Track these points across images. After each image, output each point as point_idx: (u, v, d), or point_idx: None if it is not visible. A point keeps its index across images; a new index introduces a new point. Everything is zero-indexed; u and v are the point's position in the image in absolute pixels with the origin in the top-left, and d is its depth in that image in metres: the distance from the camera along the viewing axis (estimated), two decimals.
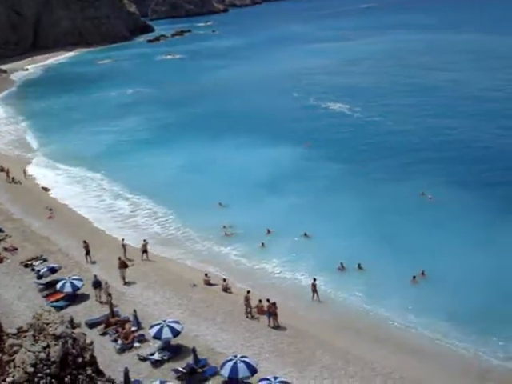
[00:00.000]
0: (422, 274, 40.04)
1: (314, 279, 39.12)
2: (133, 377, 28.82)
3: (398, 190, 54.67)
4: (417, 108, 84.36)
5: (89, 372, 8.48)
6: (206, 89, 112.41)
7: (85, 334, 17.51)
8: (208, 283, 40.83)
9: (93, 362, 9.11)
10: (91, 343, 10.18)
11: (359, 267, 41.77)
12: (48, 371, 16.07)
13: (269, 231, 48.05)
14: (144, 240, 45.96)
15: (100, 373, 9.16)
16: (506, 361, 31.51)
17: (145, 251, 45.01)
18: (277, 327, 35.00)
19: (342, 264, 41.97)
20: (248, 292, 36.84)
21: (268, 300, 35.71)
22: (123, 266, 41.16)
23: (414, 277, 39.46)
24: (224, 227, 49.38)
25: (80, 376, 8.04)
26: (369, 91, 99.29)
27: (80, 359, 10.40)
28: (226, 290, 40.02)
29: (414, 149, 66.72)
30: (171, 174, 64.18)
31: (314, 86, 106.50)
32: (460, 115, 78.22)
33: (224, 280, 40.53)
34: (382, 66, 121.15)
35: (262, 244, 46.39)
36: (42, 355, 16.28)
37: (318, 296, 38.81)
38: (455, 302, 36.78)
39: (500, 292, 37.40)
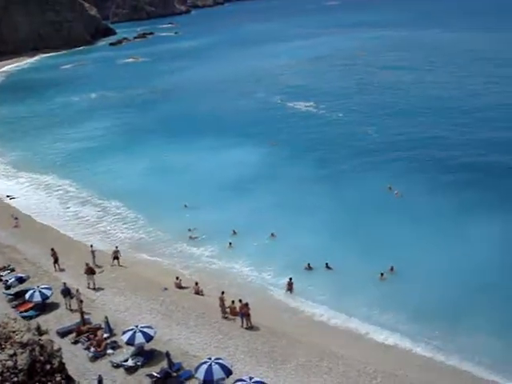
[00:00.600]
0: (391, 269, 40.43)
1: (290, 278, 39.42)
2: None
3: (365, 186, 55.22)
4: (380, 105, 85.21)
5: (58, 379, 8.32)
6: (170, 91, 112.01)
7: (52, 341, 17.22)
8: (179, 286, 40.62)
9: (62, 368, 8.93)
10: (59, 350, 10.03)
11: (327, 266, 41.90)
12: (16, 379, 15.76)
13: (234, 232, 47.97)
14: (116, 247, 45.65)
15: (70, 379, 9.00)
16: (469, 356, 31.87)
17: (116, 258, 44.60)
18: (250, 328, 35.03)
19: (308, 264, 41.99)
20: (222, 293, 36.83)
21: (240, 301, 35.76)
22: (90, 272, 40.74)
23: (382, 274, 39.80)
24: (189, 230, 49.27)
25: (49, 383, 7.88)
26: (333, 89, 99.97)
27: (48, 366, 10.23)
28: (197, 292, 39.87)
29: (378, 145, 67.39)
30: (138, 178, 63.71)
31: (279, 85, 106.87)
32: (422, 111, 79.17)
33: (196, 283, 40.36)
34: (344, 63, 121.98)
35: (230, 244, 46.41)
36: (9, 363, 16.00)
37: (293, 293, 39.08)
38: (423, 296, 37.26)
39: (466, 284, 38.03)
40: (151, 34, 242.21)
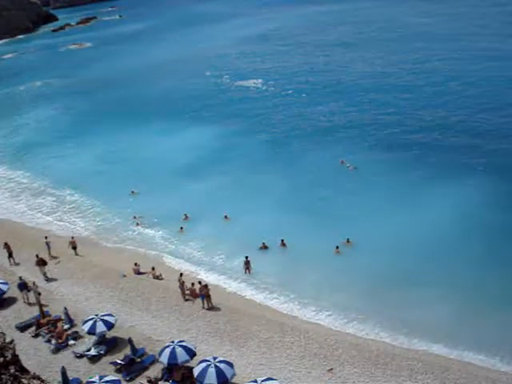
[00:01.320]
0: (347, 241, 41.18)
1: (247, 257, 39.67)
2: (71, 375, 28.52)
3: (317, 162, 55.61)
4: (328, 82, 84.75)
5: (12, 371, 8.25)
6: (117, 76, 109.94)
7: (4, 333, 17.02)
8: (138, 272, 40.55)
9: (15, 360, 8.86)
10: (11, 342, 9.95)
11: (282, 244, 42.28)
12: None
13: (186, 216, 47.88)
14: (72, 237, 45.20)
15: (25, 370, 8.95)
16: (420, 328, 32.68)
17: (74, 247, 44.20)
18: (211, 308, 35.25)
19: (264, 243, 42.27)
20: (181, 275, 36.99)
21: (200, 282, 35.90)
22: (41, 263, 40.30)
23: (337, 247, 40.43)
24: (134, 217, 49.04)
25: (3, 376, 7.83)
26: (281, 67, 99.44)
27: (1, 359, 10.12)
28: (156, 277, 39.86)
29: (329, 122, 67.43)
30: (90, 166, 62.73)
31: (227, 65, 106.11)
32: (370, 88, 78.68)
33: (153, 268, 40.31)
34: (291, 42, 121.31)
35: (181, 228, 46.32)
36: None
37: (250, 272, 39.42)
38: (377, 268, 37.97)
39: (418, 254, 38.93)
40: (94, 18, 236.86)
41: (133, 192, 53.81)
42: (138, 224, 48.24)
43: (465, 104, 66.50)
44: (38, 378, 9.58)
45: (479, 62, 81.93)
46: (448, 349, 30.61)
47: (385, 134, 60.82)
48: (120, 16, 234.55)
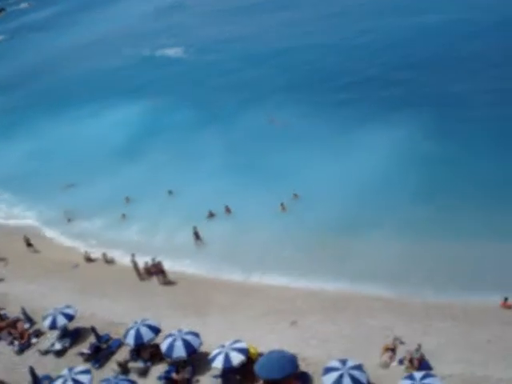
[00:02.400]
0: (295, 196, 41.95)
1: (195, 227, 39.86)
2: (40, 373, 28.38)
3: (248, 122, 55.61)
4: (249, 44, 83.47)
5: None
6: (35, 66, 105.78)
7: None
8: (89, 259, 40.26)
9: None
10: None
11: (227, 210, 42.71)
12: None
13: (128, 199, 47.30)
14: (24, 235, 44.20)
15: None
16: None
17: (29, 244, 43.60)
18: (168, 283, 35.44)
19: (210, 211, 42.63)
20: (133, 255, 36.95)
21: (153, 259, 35.90)
22: None
23: (282, 204, 41.01)
24: (65, 212, 47.86)
25: None
26: (198, 33, 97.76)
27: None
28: (108, 261, 39.71)
29: (252, 82, 66.89)
30: (21, 160, 60.36)
31: (145, 37, 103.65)
32: (289, 45, 77.84)
33: (103, 254, 40.13)
34: (208, 8, 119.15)
35: (123, 215, 45.50)
36: None
37: (200, 242, 39.74)
38: (325, 218, 38.71)
39: (364, 195, 40.09)
40: (2, 10, 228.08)
41: (68, 185, 52.07)
42: (69, 220, 46.88)
43: (385, 52, 67.22)
44: (2, 382, 9.48)
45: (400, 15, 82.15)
46: (400, 287, 31.65)
47: (311, 88, 60.98)
48: (29, 4, 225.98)
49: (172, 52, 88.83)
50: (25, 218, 50.14)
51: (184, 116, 61.79)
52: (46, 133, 66.74)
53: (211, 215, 42.49)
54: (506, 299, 28.43)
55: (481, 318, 27.70)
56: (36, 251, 43.35)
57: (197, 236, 39.83)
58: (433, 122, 47.23)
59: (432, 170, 41.15)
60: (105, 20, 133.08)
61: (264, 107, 58.41)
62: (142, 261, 36.87)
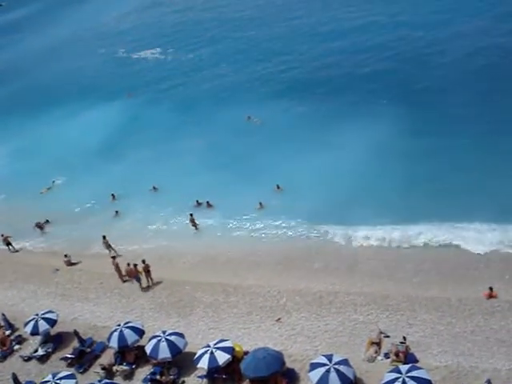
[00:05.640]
0: (278, 187, 42.49)
1: (191, 214, 41.05)
2: (23, 379, 28.14)
3: (226, 120, 55.24)
4: (225, 43, 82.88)
5: None
6: (5, 70, 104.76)
7: None
8: (70, 263, 39.81)
9: None
10: None
11: (208, 205, 43.45)
12: None
13: (113, 197, 47.32)
14: (1, 234, 43.76)
15: None
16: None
17: (8, 244, 43.48)
18: (152, 284, 35.15)
19: (197, 201, 43.59)
20: (113, 258, 36.75)
21: (143, 261, 35.26)
22: None
23: (260, 203, 41.48)
24: (44, 221, 46.62)
25: None
26: (177, 31, 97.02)
27: None
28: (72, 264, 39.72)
29: (229, 77, 66.88)
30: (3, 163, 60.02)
31: (119, 38, 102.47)
32: (265, 42, 77.54)
33: (66, 255, 39.91)
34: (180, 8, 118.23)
35: (116, 212, 45.59)
36: None
37: (197, 227, 40.88)
38: (306, 210, 39.57)
39: (345, 185, 40.75)
40: None
41: (45, 189, 51.45)
42: (40, 227, 45.77)
43: (364, 44, 66.87)
44: None
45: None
46: (384, 281, 32.11)
47: (286, 85, 60.78)
48: (1, 5, 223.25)
49: (149, 53, 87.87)
50: None
51: (161, 114, 61.41)
52: (25, 134, 65.41)
53: (198, 204, 43.54)
54: (490, 289, 28.56)
55: (465, 309, 27.81)
56: (15, 255, 42.94)
57: (193, 222, 40.76)
58: (410, 114, 47.73)
59: (410, 158, 41.96)
60: (80, 20, 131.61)
61: (242, 104, 58.12)
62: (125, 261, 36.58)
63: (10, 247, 43.74)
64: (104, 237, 40.03)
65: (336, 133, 47.07)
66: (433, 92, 51.08)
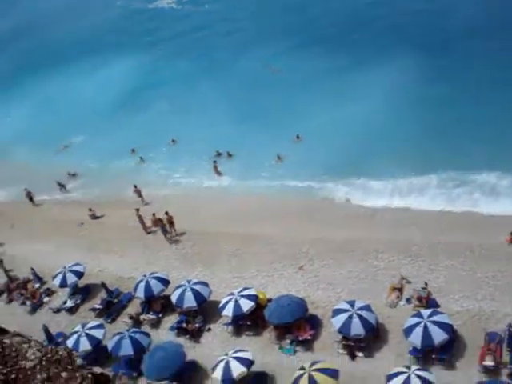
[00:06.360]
0: (297, 137, 42.20)
1: (215, 161, 42.17)
2: (54, 330, 28.84)
3: (244, 71, 54.79)
4: None
5: None
6: (28, 23, 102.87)
7: None
8: (94, 217, 40.36)
9: None
10: None
11: (228, 154, 43.52)
12: None
13: (133, 151, 47.66)
14: (25, 188, 44.61)
15: (4, 331, 9.08)
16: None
17: (30, 198, 44.25)
18: (176, 235, 35.58)
19: (217, 151, 43.66)
20: (137, 210, 36.75)
21: (166, 213, 35.64)
22: None
23: (278, 156, 41.25)
24: (68, 174, 47.69)
25: None
26: None
27: None
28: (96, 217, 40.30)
29: (245, 25, 65.87)
30: (16, 125, 60.12)
31: None
32: None
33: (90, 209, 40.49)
34: None
35: (141, 158, 46.46)
36: None
37: (220, 174, 41.74)
38: (326, 155, 39.36)
39: (364, 133, 40.39)
40: None
41: (65, 146, 52.15)
42: (62, 185, 46.04)
43: None
44: (18, 334, 9.70)
45: None
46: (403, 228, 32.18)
47: (306, 33, 59.48)
48: None
49: (164, 3, 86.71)
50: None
51: (181, 66, 60.80)
52: (44, 90, 65.46)
53: (218, 154, 43.68)
54: None
55: (487, 254, 27.83)
56: (41, 210, 43.68)
57: (216, 169, 41.51)
58: (428, 61, 46.73)
59: (428, 106, 41.31)
60: None
61: (259, 54, 57.28)
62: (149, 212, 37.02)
63: (33, 202, 44.43)
64: (135, 186, 40.66)
65: (354, 82, 46.45)
66: (452, 40, 49.40)
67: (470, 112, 39.58)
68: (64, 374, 8.06)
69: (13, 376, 8.13)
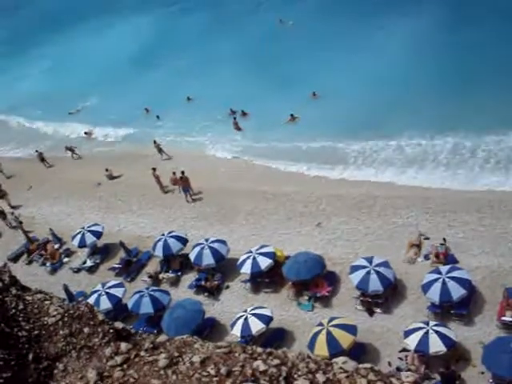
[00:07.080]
0: (314, 94, 41.66)
1: (235, 118, 42.02)
2: (74, 290, 29.14)
3: (258, 26, 54.12)
4: None
5: (14, 292, 8.45)
6: None
7: None
8: (111, 177, 40.46)
9: (14, 281, 9.05)
10: (5, 265, 10.14)
11: (243, 113, 43.12)
12: None
13: (147, 110, 47.74)
14: (36, 150, 45.13)
15: (26, 289, 9.17)
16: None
17: (42, 159, 44.52)
18: (193, 194, 35.57)
19: (231, 109, 43.26)
20: (154, 169, 36.71)
21: (182, 172, 35.41)
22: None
23: (292, 115, 40.56)
24: (85, 133, 48.43)
25: (6, 298, 8.02)
26: None
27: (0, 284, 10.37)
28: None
29: None
30: (38, 81, 60.22)
31: None
32: None
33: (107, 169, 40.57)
34: None
35: (157, 117, 46.50)
36: None
37: (241, 129, 41.60)
38: (343, 113, 38.57)
39: (385, 88, 39.40)
40: None
41: (76, 111, 52.60)
42: (71, 150, 45.83)
43: None
44: (40, 291, 9.77)
45: None
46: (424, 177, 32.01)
47: None
48: None
49: None
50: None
51: (194, 23, 60.14)
52: (59, 49, 65.29)
53: (233, 112, 43.22)
54: None
55: (506, 210, 27.53)
56: (56, 172, 43.98)
57: (236, 125, 41.44)
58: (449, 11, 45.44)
59: (451, 58, 40.21)
60: None
61: (272, 8, 56.59)
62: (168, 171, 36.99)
63: (45, 163, 44.69)
64: (155, 141, 40.81)
65: (371, 36, 45.58)
66: None
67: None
68: (86, 330, 8.13)
69: (36, 332, 8.21)
